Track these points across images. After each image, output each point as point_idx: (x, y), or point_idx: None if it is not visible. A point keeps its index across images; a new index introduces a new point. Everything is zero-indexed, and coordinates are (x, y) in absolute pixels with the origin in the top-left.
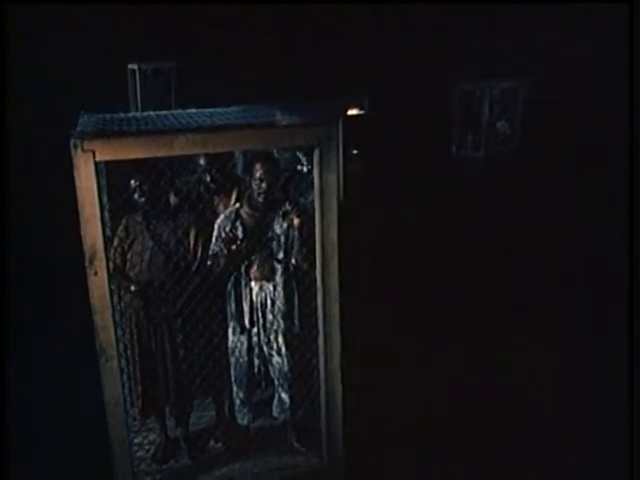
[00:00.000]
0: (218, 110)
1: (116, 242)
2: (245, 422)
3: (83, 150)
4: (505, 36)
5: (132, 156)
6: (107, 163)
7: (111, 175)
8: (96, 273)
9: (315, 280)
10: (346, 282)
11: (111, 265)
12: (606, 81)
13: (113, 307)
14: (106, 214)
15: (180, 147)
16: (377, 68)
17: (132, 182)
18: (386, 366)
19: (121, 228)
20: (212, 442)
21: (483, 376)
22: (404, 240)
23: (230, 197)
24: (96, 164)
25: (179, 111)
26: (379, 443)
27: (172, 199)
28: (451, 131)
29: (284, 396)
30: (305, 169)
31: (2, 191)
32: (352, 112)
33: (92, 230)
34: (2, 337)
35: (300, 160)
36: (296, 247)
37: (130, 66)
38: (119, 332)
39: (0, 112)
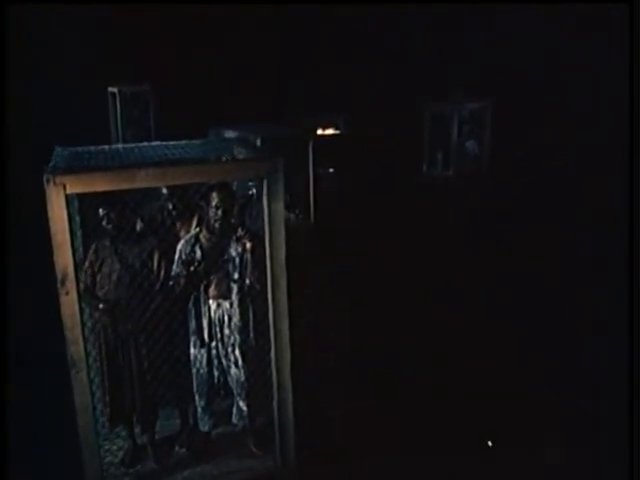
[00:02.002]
0: (180, 143)
1: (87, 264)
2: (207, 429)
3: (55, 184)
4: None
5: (99, 189)
6: (79, 194)
7: (82, 204)
8: (67, 293)
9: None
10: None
11: (82, 285)
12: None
13: (83, 324)
14: (77, 240)
15: (141, 180)
16: (352, 90)
17: (100, 211)
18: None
19: (91, 252)
20: (177, 448)
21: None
22: (375, 253)
23: (191, 223)
24: (67, 196)
25: (145, 144)
26: (330, 448)
27: (139, 225)
28: (422, 150)
29: (242, 404)
30: None
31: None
32: (328, 132)
33: (63, 255)
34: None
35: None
36: (249, 268)
37: (110, 89)
38: (89, 346)
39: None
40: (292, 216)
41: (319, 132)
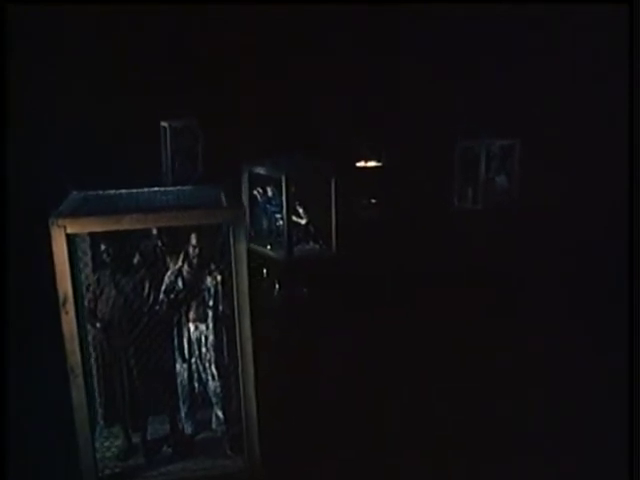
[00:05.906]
0: (175, 189)
1: (90, 290)
2: (190, 432)
3: (57, 225)
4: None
5: (94, 230)
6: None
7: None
8: (67, 313)
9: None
10: None
11: (85, 309)
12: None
13: (80, 338)
14: (77, 270)
15: (127, 223)
16: (391, 126)
17: (102, 246)
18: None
19: (94, 280)
20: (164, 447)
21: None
22: (406, 279)
23: (178, 257)
24: (67, 235)
25: (145, 190)
26: (292, 451)
27: (136, 258)
28: (453, 185)
29: (219, 413)
30: (303, 221)
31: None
32: (370, 164)
33: (64, 282)
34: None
35: (298, 212)
36: (221, 297)
37: (162, 124)
38: (87, 356)
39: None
40: (317, 247)
41: (361, 164)
